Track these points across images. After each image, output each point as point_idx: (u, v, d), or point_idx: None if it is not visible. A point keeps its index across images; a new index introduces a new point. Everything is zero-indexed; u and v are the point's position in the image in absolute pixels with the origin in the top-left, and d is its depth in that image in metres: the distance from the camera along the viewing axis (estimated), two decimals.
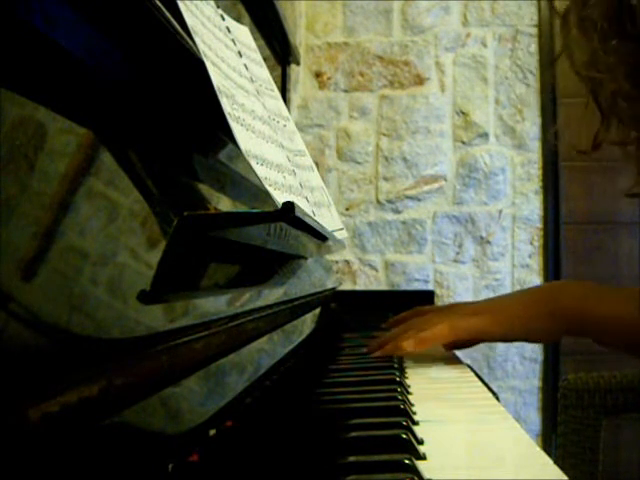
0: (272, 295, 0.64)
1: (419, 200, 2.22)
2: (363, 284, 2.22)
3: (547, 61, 2.18)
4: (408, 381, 0.73)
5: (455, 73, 2.24)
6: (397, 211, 2.22)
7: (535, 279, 2.19)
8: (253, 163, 0.51)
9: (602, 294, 0.80)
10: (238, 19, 0.74)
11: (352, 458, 0.41)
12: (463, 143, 2.22)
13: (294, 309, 0.78)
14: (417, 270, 2.21)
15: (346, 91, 2.25)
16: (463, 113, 2.23)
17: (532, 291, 0.85)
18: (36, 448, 0.22)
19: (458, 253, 2.21)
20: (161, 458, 0.33)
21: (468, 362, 0.88)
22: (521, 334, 0.82)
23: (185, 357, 0.38)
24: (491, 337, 0.82)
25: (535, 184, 2.21)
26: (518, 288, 2.19)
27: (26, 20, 0.31)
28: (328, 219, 0.83)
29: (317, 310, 1.02)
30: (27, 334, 0.24)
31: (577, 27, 0.71)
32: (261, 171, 0.53)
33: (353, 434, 0.47)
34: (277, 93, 0.80)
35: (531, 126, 2.21)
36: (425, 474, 0.40)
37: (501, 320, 0.81)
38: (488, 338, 0.83)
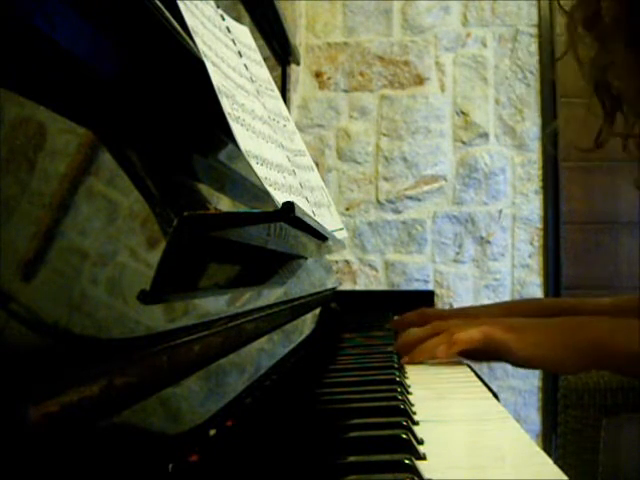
0: (272, 295, 0.64)
1: (419, 200, 2.22)
2: (363, 284, 2.22)
3: (547, 61, 2.19)
4: (408, 381, 0.73)
5: (455, 73, 2.24)
6: (397, 211, 2.22)
7: (535, 279, 2.19)
8: (253, 163, 0.51)
9: (625, 329, 0.79)
10: (238, 19, 0.74)
11: (352, 458, 0.41)
12: (463, 143, 2.22)
13: (294, 309, 0.78)
14: (417, 270, 2.21)
15: (346, 91, 2.25)
16: (463, 113, 2.23)
17: (558, 322, 0.84)
18: (36, 448, 0.22)
19: (458, 253, 2.21)
20: (161, 458, 0.33)
21: (468, 362, 0.88)
22: (542, 363, 0.82)
23: (185, 357, 0.38)
24: (512, 358, 0.82)
25: (535, 184, 2.21)
26: (518, 288, 2.19)
27: (26, 20, 0.31)
28: (328, 219, 0.83)
29: (317, 310, 1.02)
30: (27, 334, 0.24)
31: (584, 25, 0.71)
32: (261, 171, 0.53)
33: (353, 434, 0.47)
34: (277, 93, 0.80)
35: (531, 126, 2.21)
36: (425, 474, 0.40)
37: (528, 345, 0.81)
38: (509, 358, 0.82)
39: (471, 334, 0.81)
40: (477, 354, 0.89)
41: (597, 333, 0.79)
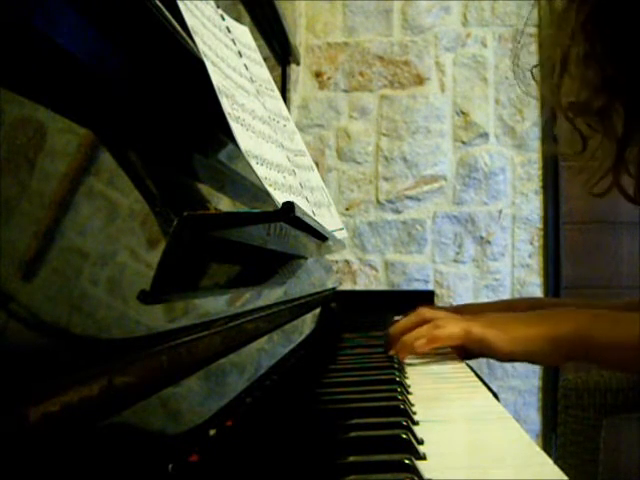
0: (272, 295, 0.64)
1: (419, 200, 2.22)
2: (363, 284, 2.22)
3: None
4: (408, 381, 0.73)
5: (455, 73, 2.24)
6: (397, 211, 2.22)
7: (535, 279, 2.19)
8: (253, 163, 0.51)
9: (605, 320, 0.80)
10: (238, 19, 0.74)
11: (352, 458, 0.41)
12: (463, 143, 2.22)
13: (294, 309, 0.78)
14: (417, 270, 2.21)
15: (346, 91, 2.25)
16: (463, 113, 2.23)
17: (539, 315, 0.85)
18: (36, 448, 0.22)
19: (458, 253, 2.21)
20: (161, 458, 0.33)
21: (468, 362, 0.88)
22: (524, 355, 0.83)
23: (185, 357, 0.38)
24: (494, 353, 0.83)
25: (535, 184, 2.21)
26: (518, 288, 2.19)
27: (27, 20, 0.31)
28: (328, 219, 0.83)
29: (317, 310, 1.02)
30: (27, 334, 0.24)
31: (561, 69, 0.74)
32: (261, 171, 0.53)
33: (353, 434, 0.47)
34: (277, 93, 0.80)
35: (531, 126, 2.21)
36: (425, 474, 0.40)
37: (509, 339, 0.82)
38: (492, 354, 0.83)
39: (451, 330, 0.82)
40: (459, 350, 0.89)
41: (577, 324, 0.79)
